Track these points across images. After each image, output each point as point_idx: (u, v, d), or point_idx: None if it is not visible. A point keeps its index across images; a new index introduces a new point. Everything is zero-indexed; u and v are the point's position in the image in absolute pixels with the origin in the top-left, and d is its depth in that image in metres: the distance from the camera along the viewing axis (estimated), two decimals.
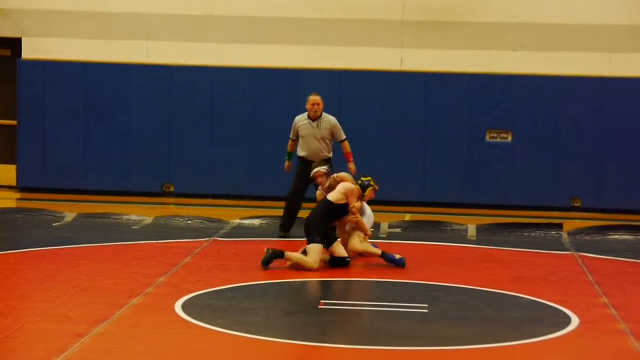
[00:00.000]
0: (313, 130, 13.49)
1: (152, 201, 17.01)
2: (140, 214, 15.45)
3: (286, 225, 13.90)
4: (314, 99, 13.57)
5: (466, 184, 17.31)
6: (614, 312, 9.62)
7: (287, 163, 13.89)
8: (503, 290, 10.71)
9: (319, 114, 13.55)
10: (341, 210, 11.85)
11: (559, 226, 14.48)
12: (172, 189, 17.59)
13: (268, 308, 9.56)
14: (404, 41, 17.46)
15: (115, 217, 15.26)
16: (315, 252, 11.40)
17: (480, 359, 8.10)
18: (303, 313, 9.41)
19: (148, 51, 17.67)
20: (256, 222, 15.20)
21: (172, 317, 9.11)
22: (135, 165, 17.57)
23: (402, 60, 17.47)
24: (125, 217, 15.24)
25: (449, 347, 8.30)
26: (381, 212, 16.31)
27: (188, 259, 11.91)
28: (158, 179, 17.61)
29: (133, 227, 14.55)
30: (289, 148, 13.84)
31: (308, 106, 13.62)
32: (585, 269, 11.94)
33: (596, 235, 14.51)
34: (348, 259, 11.65)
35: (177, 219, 15.17)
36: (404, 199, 17.22)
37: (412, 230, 14.93)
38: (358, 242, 11.95)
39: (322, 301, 9.82)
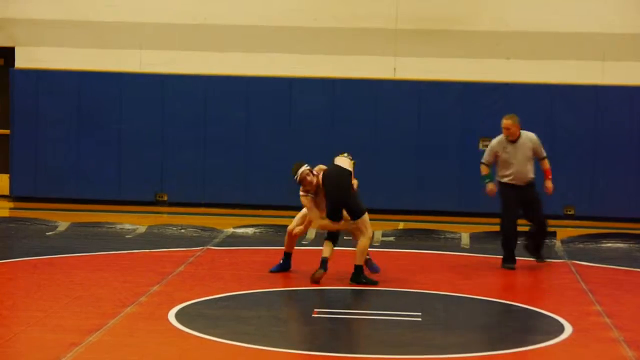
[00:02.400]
0: (514, 152, 12.60)
1: (145, 210, 16.98)
2: (133, 222, 15.43)
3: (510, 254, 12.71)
4: (505, 122, 12.65)
5: (459, 192, 17.31)
6: (607, 320, 9.62)
7: (491, 185, 12.89)
8: (496, 298, 10.71)
9: (514, 137, 12.64)
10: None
11: (552, 234, 14.48)
12: (165, 198, 17.57)
13: (261, 317, 9.55)
14: (397, 49, 17.47)
15: (109, 226, 15.24)
16: (367, 221, 11.34)
17: None
18: (296, 322, 9.40)
19: (141, 60, 17.66)
20: (250, 230, 15.19)
21: (166, 326, 9.09)
22: (129, 174, 17.55)
23: (395, 69, 17.49)
24: (119, 226, 15.22)
25: (442, 355, 8.29)
26: (375, 220, 16.28)
27: (181, 268, 11.90)
28: (151, 187, 17.58)
29: (126, 236, 14.53)
30: (484, 171, 12.93)
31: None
32: (578, 276, 11.95)
33: (589, 243, 14.52)
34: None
35: (171, 227, 15.15)
36: (397, 207, 17.21)
37: (406, 238, 14.93)
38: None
39: (315, 309, 9.81)
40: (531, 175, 12.66)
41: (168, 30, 17.59)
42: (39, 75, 17.57)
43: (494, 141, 12.79)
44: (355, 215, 11.34)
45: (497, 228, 14.57)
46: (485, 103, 17.26)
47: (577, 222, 16.47)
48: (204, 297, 10.32)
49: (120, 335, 8.73)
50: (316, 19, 17.54)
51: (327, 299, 10.52)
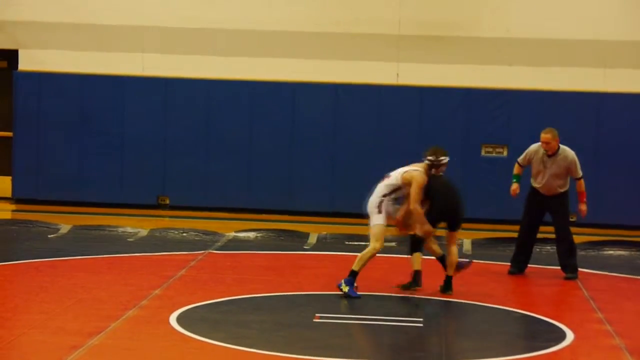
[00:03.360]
0: (547, 165, 12.49)
1: (147, 213, 16.98)
2: (135, 226, 15.45)
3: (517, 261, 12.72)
4: (544, 137, 12.50)
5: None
6: (608, 327, 9.62)
7: (515, 185, 12.84)
8: (498, 304, 10.71)
9: (552, 151, 12.50)
10: None
11: (554, 241, 14.46)
12: (167, 201, 17.57)
13: (263, 321, 9.55)
14: (400, 55, 17.48)
15: (111, 229, 15.25)
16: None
17: None
18: (298, 326, 9.40)
19: (143, 63, 17.67)
20: (251, 234, 15.20)
21: (167, 329, 9.10)
22: (131, 177, 17.54)
23: (397, 74, 17.50)
24: (121, 229, 15.23)
25: None
26: None
27: (183, 272, 11.90)
28: (153, 191, 17.59)
29: (128, 239, 14.54)
30: (516, 171, 12.93)
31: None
32: (580, 284, 11.94)
33: (591, 250, 14.53)
34: None
35: (173, 231, 15.17)
36: None
37: (407, 244, 14.89)
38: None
39: (316, 314, 9.82)
40: (561, 190, 12.50)
41: (171, 34, 17.60)
42: (42, 77, 17.58)
43: (533, 147, 12.66)
44: (458, 226, 11.28)
45: (499, 234, 14.62)
46: (488, 109, 17.28)
47: (579, 230, 16.42)
48: (206, 301, 10.32)
49: (121, 339, 8.73)
50: (319, 24, 17.56)
51: (328, 304, 10.52)
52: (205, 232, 15.08)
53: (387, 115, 17.45)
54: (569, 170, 12.47)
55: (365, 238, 15.06)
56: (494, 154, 17.31)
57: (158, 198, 17.58)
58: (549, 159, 12.46)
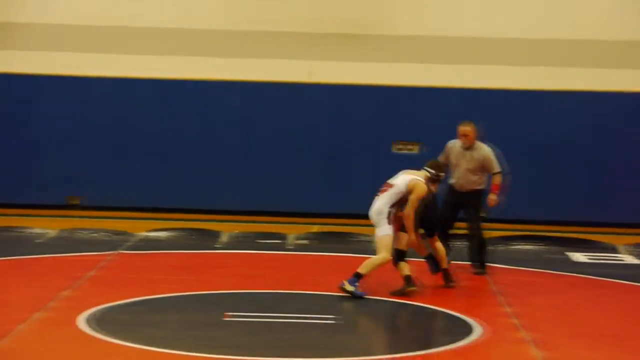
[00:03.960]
0: (462, 159, 12.53)
1: (56, 214, 16.75)
2: (44, 227, 15.23)
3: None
4: (463, 129, 12.58)
5: (372, 195, 17.38)
6: (516, 321, 9.75)
7: None
8: (408, 300, 10.78)
9: (469, 144, 12.54)
10: None
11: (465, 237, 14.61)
12: (76, 202, 17.36)
13: (173, 321, 9.49)
14: (313, 53, 17.51)
15: (18, 230, 15.02)
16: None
17: None
18: (208, 325, 9.36)
19: (54, 62, 17.42)
20: (162, 234, 15.10)
21: (75, 331, 8.98)
22: (39, 178, 17.28)
23: (310, 73, 17.52)
24: (28, 231, 15.01)
25: (355, 357, 8.32)
26: (288, 223, 16.37)
27: (93, 272, 11.77)
28: (62, 191, 17.36)
29: (36, 241, 14.33)
30: None
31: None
32: (489, 278, 12.09)
33: (500, 245, 14.70)
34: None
35: (82, 231, 15.00)
36: (311, 210, 17.24)
37: (319, 241, 14.97)
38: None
39: (227, 313, 9.78)
40: (476, 187, 12.55)
41: (80, 32, 17.39)
42: None
43: (450, 142, 12.74)
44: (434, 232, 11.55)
45: None
46: (400, 107, 17.39)
47: (488, 225, 16.62)
48: (116, 301, 10.20)
49: (28, 341, 8.61)
50: (232, 23, 17.50)
51: (239, 303, 10.49)
52: (116, 232, 14.95)
53: (300, 113, 17.46)
54: (483, 167, 12.52)
55: (274, 236, 15.11)
56: (404, 151, 17.43)
57: (67, 198, 17.35)
58: (466, 153, 12.54)
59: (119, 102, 17.38)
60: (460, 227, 12.84)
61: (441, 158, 12.77)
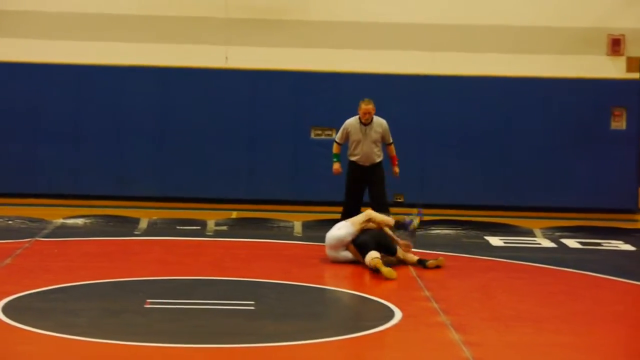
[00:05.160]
0: (365, 134, 13.49)
1: None
2: None
3: None
4: (366, 107, 13.50)
5: (292, 181, 17.44)
6: (435, 305, 9.85)
7: (337, 165, 13.75)
8: (328, 286, 10.83)
9: (370, 120, 13.55)
10: None
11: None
12: None
13: (92, 308, 9.41)
14: (229, 38, 17.45)
15: None
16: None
17: (305, 354, 8.17)
18: (128, 312, 9.29)
19: None
20: (80, 221, 14.95)
21: None
22: None
23: (227, 58, 17.46)
24: None
25: (274, 343, 8.34)
26: (207, 209, 16.33)
27: (8, 260, 11.61)
28: None
29: None
30: (335, 150, 13.78)
31: (360, 112, 13.54)
32: (407, 263, 12.18)
33: (418, 230, 14.79)
34: None
35: None
36: (230, 197, 17.22)
37: (239, 227, 14.96)
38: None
39: (147, 300, 9.72)
40: (378, 159, 13.54)
41: (8, 17, 17.22)
42: None
43: (348, 121, 13.64)
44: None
45: (328, 216, 14.78)
46: (317, 92, 17.44)
47: (407, 210, 16.76)
48: (33, 289, 10.08)
49: None
50: (146, 7, 17.37)
51: (159, 290, 10.43)
52: (32, 220, 14.75)
53: (217, 99, 17.41)
54: (383, 137, 13.55)
55: (194, 222, 15.05)
56: (323, 136, 17.49)
57: None
58: (366, 127, 13.46)
59: (33, 87, 17.15)
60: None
61: (340, 138, 13.66)
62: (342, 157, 13.86)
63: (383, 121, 13.66)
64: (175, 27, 17.38)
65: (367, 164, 13.50)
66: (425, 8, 17.61)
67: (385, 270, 11.18)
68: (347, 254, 11.94)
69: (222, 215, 15.84)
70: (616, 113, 17.66)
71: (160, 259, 12.18)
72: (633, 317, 9.95)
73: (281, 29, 17.47)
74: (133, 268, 11.51)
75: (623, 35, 17.70)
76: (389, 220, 12.31)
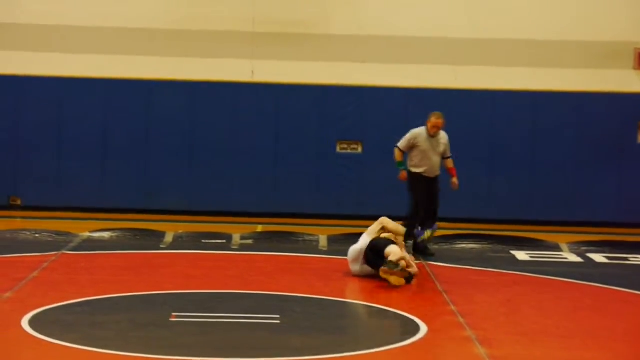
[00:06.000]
0: (432, 146, 13.65)
1: None
2: None
3: None
4: (436, 121, 13.62)
5: (317, 195, 17.45)
6: (460, 319, 9.83)
7: (404, 172, 13.84)
8: (354, 299, 10.82)
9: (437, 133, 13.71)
10: None
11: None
12: (19, 202, 17.20)
13: (118, 322, 9.43)
14: (255, 52, 17.50)
15: None
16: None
17: None
18: (154, 326, 9.32)
19: None
20: (106, 234, 14.99)
21: (19, 332, 8.89)
22: None
23: (253, 72, 17.51)
24: None
25: (300, 357, 8.34)
26: (233, 223, 16.35)
27: (35, 273, 11.66)
28: (4, 191, 17.20)
29: None
30: (399, 158, 13.87)
31: (429, 125, 13.65)
32: (433, 277, 12.16)
33: (444, 244, 14.79)
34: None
35: (25, 232, 14.84)
36: (256, 210, 17.24)
37: (264, 241, 14.95)
38: None
39: (173, 314, 9.75)
40: (438, 172, 13.77)
41: (32, 31, 17.27)
42: None
43: (416, 132, 13.73)
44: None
45: (354, 230, 14.76)
46: (342, 106, 17.45)
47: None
48: (59, 302, 10.12)
49: None
50: (174, 22, 17.45)
51: (185, 303, 10.45)
52: (59, 233, 14.81)
53: (243, 113, 17.46)
54: (445, 150, 13.73)
55: (219, 236, 15.07)
56: (349, 150, 17.49)
57: (9, 198, 17.19)
58: (434, 140, 13.65)
59: (62, 101, 17.25)
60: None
61: (405, 146, 13.75)
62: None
63: (445, 135, 13.79)
64: (202, 41, 17.44)
65: (432, 175, 13.67)
66: (449, 22, 17.60)
67: (393, 279, 11.24)
68: (368, 269, 11.93)
69: (248, 229, 15.86)
70: None
71: (186, 272, 12.20)
72: None
73: (306, 42, 17.50)
74: (159, 281, 11.54)
75: None
76: (401, 229, 12.31)
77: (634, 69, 17.73)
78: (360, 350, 8.64)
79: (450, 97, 17.39)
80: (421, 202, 13.68)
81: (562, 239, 15.66)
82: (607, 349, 8.95)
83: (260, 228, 16.15)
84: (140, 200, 17.23)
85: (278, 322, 9.58)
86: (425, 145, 13.61)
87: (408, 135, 13.74)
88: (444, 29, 17.60)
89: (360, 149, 17.55)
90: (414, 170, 13.70)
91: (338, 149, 17.56)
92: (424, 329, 9.38)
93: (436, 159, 13.66)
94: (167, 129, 17.38)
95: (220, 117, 17.44)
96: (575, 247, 15.04)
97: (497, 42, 17.68)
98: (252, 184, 17.41)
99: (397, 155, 13.84)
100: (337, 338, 9.08)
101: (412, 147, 13.69)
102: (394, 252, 11.59)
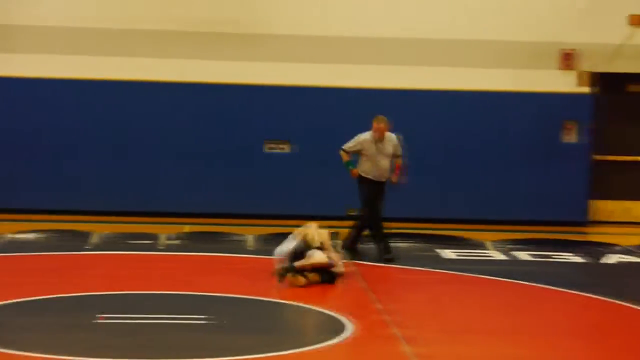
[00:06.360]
0: (378, 150, 13.62)
1: None
2: None
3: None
4: (377, 126, 13.62)
5: (245, 194, 17.43)
6: (387, 317, 9.89)
7: (355, 170, 13.77)
8: (282, 299, 10.84)
9: (383, 136, 13.67)
10: None
11: (335, 235, 14.74)
12: None
13: (43, 324, 9.34)
14: (184, 52, 17.43)
15: None
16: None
17: None
18: (80, 328, 9.24)
19: None
20: (31, 235, 14.83)
21: None
22: None
23: (182, 72, 17.44)
24: None
25: (228, 357, 8.32)
26: (159, 223, 16.27)
27: None
28: None
29: None
30: (346, 158, 13.83)
31: (372, 130, 13.67)
32: (360, 276, 12.21)
33: (370, 242, 14.84)
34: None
35: None
36: (183, 210, 17.18)
37: (191, 241, 14.90)
38: None
39: (98, 315, 9.67)
40: (388, 175, 13.73)
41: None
42: None
43: (362, 136, 13.71)
44: None
45: (282, 230, 14.76)
46: (271, 106, 17.46)
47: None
48: None
49: None
50: (104, 21, 17.34)
51: (111, 304, 10.38)
52: None
53: (172, 113, 17.40)
54: (394, 152, 13.73)
55: (145, 236, 15.00)
56: (276, 150, 17.51)
57: None
58: (380, 144, 13.61)
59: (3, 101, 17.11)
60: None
61: (350, 148, 13.75)
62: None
63: (394, 136, 13.77)
64: (135, 40, 17.33)
65: (382, 179, 13.67)
66: (380, 22, 17.69)
67: (291, 279, 11.30)
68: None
69: (175, 229, 15.79)
70: (568, 126, 17.85)
71: (112, 273, 12.12)
72: (582, 329, 10.05)
73: (235, 42, 17.47)
74: (84, 283, 11.43)
75: (574, 50, 17.90)
76: (324, 235, 12.16)
77: (559, 69, 17.98)
78: (287, 349, 8.66)
79: (379, 97, 17.46)
80: (366, 203, 13.68)
81: (487, 237, 15.84)
82: (531, 345, 9.07)
83: (187, 228, 16.10)
84: (66, 201, 17.07)
85: (206, 322, 9.56)
86: (371, 150, 13.62)
87: (354, 140, 13.79)
88: (374, 29, 17.69)
89: (287, 149, 17.58)
90: (362, 174, 13.72)
91: (266, 149, 17.56)
92: (350, 327, 9.42)
93: (384, 163, 13.63)
94: (95, 129, 17.24)
95: (149, 117, 17.35)
96: (500, 245, 15.21)
97: (425, 42, 17.81)
98: (179, 183, 17.34)
99: (344, 157, 13.84)
100: (264, 338, 9.08)
101: (358, 151, 13.73)
102: (314, 257, 11.63)
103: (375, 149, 13.61)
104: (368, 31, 17.64)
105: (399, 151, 13.81)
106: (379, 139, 13.62)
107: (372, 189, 13.67)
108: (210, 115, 17.44)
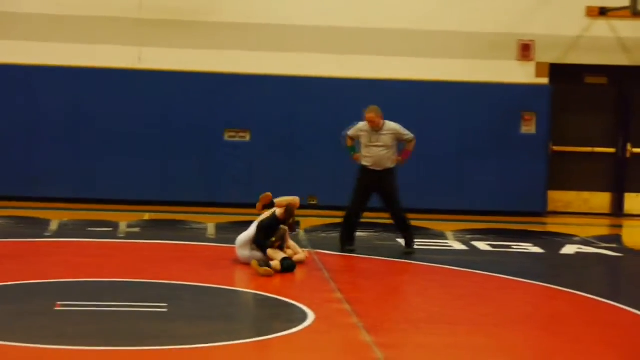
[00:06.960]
0: (373, 139, 13.39)
1: None
2: None
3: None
4: (368, 116, 13.34)
5: (205, 182, 17.39)
6: (347, 306, 9.89)
7: (356, 155, 13.64)
8: (242, 288, 10.82)
9: (379, 127, 13.38)
10: None
11: (297, 223, 14.73)
12: None
13: (2, 311, 9.26)
14: (142, 39, 17.33)
15: None
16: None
17: (219, 356, 8.15)
18: (37, 315, 9.16)
19: None
20: None
21: None
22: None
23: (139, 58, 17.35)
24: None
25: (187, 345, 8.29)
26: (119, 211, 16.20)
27: None
28: None
29: None
30: (349, 143, 13.64)
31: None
32: (321, 265, 12.22)
33: (331, 232, 14.87)
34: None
35: None
36: (143, 198, 17.12)
37: (151, 229, 14.84)
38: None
39: (57, 302, 9.60)
40: (390, 164, 13.37)
41: None
42: None
43: (361, 124, 13.48)
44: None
45: (242, 218, 14.75)
46: (231, 94, 17.42)
47: (320, 212, 16.85)
48: None
49: None
50: (59, 6, 17.19)
51: (70, 292, 10.30)
52: None
53: (129, 100, 17.30)
54: (397, 138, 13.47)
55: (105, 224, 14.92)
56: (237, 139, 17.48)
57: None
58: (375, 133, 13.36)
59: None
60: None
61: (352, 134, 13.55)
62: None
63: (393, 125, 13.50)
64: (88, 27, 17.21)
65: (378, 168, 13.40)
66: (336, 11, 17.72)
67: (262, 270, 11.27)
68: (258, 254, 11.91)
69: (135, 217, 15.71)
70: (526, 117, 17.95)
71: (71, 261, 12.04)
72: (541, 318, 10.12)
73: (194, 30, 17.42)
74: (43, 270, 11.36)
75: (533, 41, 18.00)
76: (289, 200, 12.19)
77: (517, 59, 18.08)
78: (248, 338, 8.65)
79: (338, 86, 17.49)
80: (355, 192, 13.54)
81: (447, 227, 15.90)
82: (491, 335, 9.12)
83: (147, 216, 16.03)
84: (24, 188, 16.94)
85: (166, 310, 9.52)
86: (365, 139, 13.42)
87: (354, 127, 13.59)
88: (331, 18, 17.70)
89: (248, 137, 17.54)
90: (361, 162, 13.58)
91: (226, 137, 17.52)
92: (311, 316, 9.42)
93: (380, 152, 13.36)
94: (51, 116, 17.12)
95: (106, 104, 17.25)
96: (460, 235, 15.29)
97: (383, 32, 17.84)
98: (139, 171, 17.25)
99: (347, 142, 13.71)
100: (225, 326, 9.06)
101: (358, 138, 13.58)
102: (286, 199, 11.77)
103: (369, 139, 13.38)
104: (326, 20, 17.66)
105: (405, 136, 13.51)
106: (374, 129, 13.36)
107: (365, 178, 13.47)
108: (171, 103, 17.36)
